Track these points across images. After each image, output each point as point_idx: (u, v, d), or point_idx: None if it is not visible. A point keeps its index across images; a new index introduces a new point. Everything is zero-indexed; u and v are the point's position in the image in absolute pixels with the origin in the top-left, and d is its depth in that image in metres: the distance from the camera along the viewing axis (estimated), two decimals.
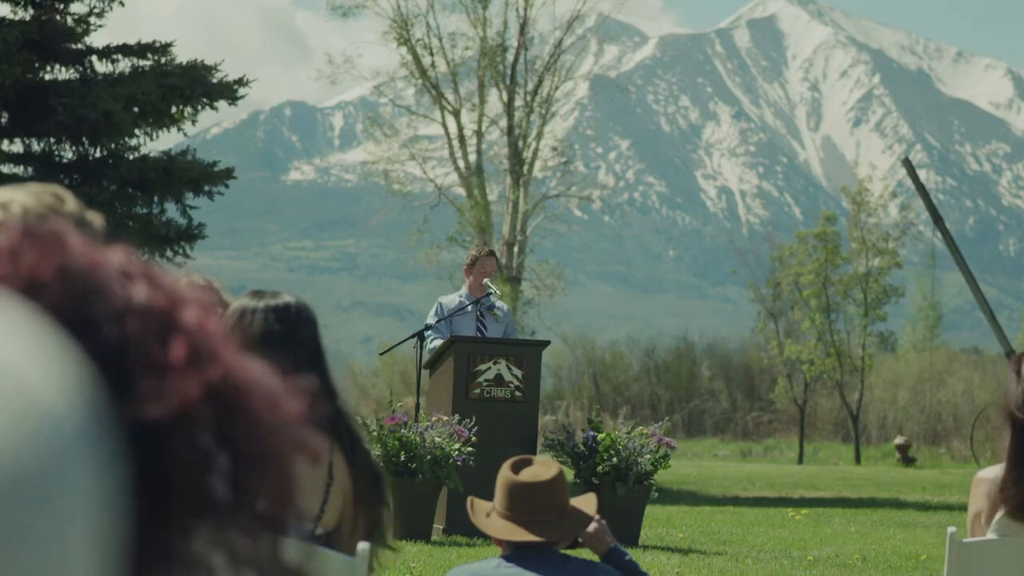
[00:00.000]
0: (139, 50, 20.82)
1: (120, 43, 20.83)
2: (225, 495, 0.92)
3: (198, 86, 20.72)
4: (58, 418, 0.83)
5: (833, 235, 42.50)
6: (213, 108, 21.21)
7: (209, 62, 21.02)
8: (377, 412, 12.26)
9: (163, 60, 20.81)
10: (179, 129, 21.16)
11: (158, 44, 20.91)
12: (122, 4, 21.00)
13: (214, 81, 20.82)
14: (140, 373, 0.90)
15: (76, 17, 20.67)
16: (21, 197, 2.65)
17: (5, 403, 0.81)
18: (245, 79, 21.17)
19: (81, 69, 20.66)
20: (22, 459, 0.79)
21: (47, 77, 20.63)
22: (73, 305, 0.90)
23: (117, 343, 0.90)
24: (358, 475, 3.93)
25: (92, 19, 20.74)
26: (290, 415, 0.96)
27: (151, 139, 21.12)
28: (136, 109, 20.44)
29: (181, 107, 20.87)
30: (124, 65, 20.90)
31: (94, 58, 20.74)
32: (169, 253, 20.69)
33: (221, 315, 4.07)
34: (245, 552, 0.93)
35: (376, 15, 36.75)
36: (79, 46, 20.71)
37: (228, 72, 21.04)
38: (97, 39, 20.87)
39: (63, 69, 20.68)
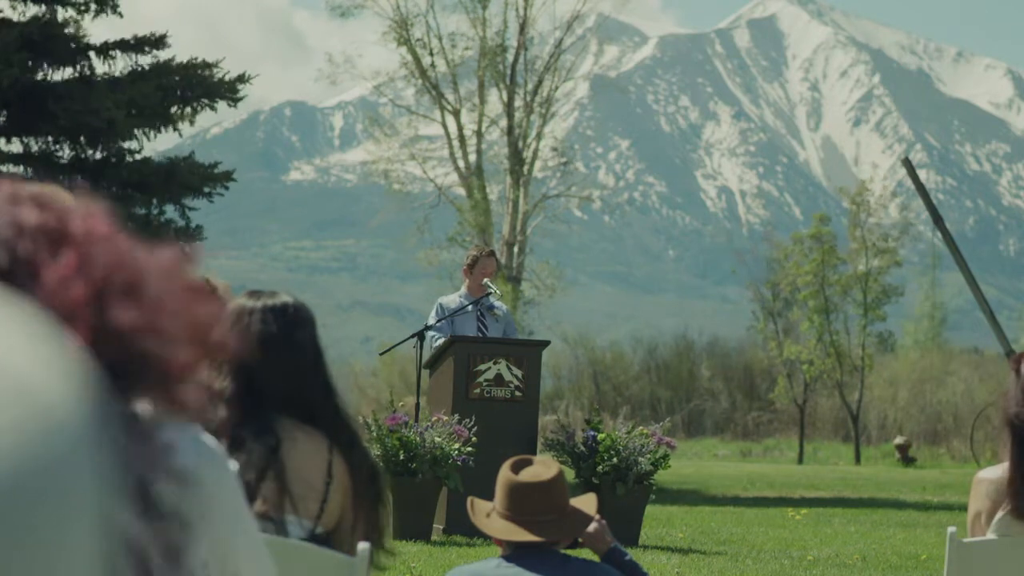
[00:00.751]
0: (136, 44, 20.82)
1: (117, 39, 20.83)
2: (141, 366, 0.97)
3: (198, 86, 20.72)
4: (62, 418, 0.83)
5: (828, 236, 42.52)
6: (213, 109, 21.21)
7: (209, 60, 21.03)
8: (376, 412, 12.24)
9: (159, 53, 20.82)
10: (176, 130, 21.14)
11: (154, 37, 20.92)
12: (120, 15, 20.97)
13: (214, 79, 20.81)
14: (34, 287, 0.93)
15: (77, 5, 20.62)
16: None
17: (9, 405, 0.81)
18: (246, 75, 21.17)
19: (80, 68, 20.65)
20: (29, 460, 0.80)
21: (46, 77, 20.62)
22: None
23: (11, 265, 0.93)
24: (356, 474, 3.93)
25: (90, 14, 20.74)
26: (190, 288, 1.01)
27: (148, 139, 21.12)
28: (134, 111, 20.44)
29: (180, 108, 20.88)
30: (122, 63, 20.90)
31: (92, 55, 20.73)
32: None
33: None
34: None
35: (376, 15, 36.79)
36: (77, 44, 20.70)
37: (228, 69, 21.05)
38: (95, 37, 20.85)
39: (62, 69, 20.67)
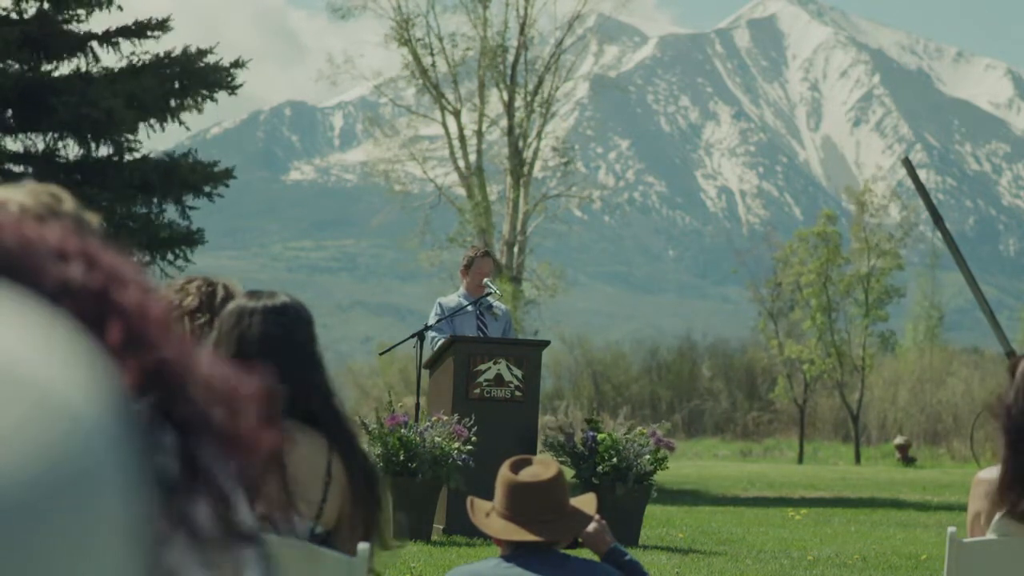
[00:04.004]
0: (137, 30, 20.90)
1: (118, 26, 20.92)
2: (175, 471, 0.92)
3: (196, 76, 20.81)
4: (86, 420, 0.81)
5: (834, 234, 42.49)
6: (213, 100, 21.25)
7: (203, 47, 21.22)
8: (377, 412, 12.24)
9: (160, 36, 20.94)
10: (180, 123, 21.19)
11: (155, 21, 21.02)
12: (120, 8, 21.02)
13: (210, 65, 20.93)
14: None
15: (75, 16, 20.70)
16: (18, 196, 2.63)
17: (33, 409, 0.78)
18: (240, 60, 21.28)
19: (81, 59, 20.72)
20: (54, 463, 0.78)
21: (48, 73, 20.66)
22: (2, 284, 0.88)
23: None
24: (354, 475, 3.93)
25: (93, 12, 20.80)
26: (240, 399, 0.96)
27: (153, 135, 21.19)
28: (135, 104, 20.47)
29: (180, 101, 20.95)
30: (125, 49, 21.00)
31: (95, 43, 20.79)
32: (170, 256, 20.72)
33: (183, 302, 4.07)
34: (204, 527, 0.93)
35: (376, 15, 36.81)
36: (79, 31, 20.79)
37: (222, 56, 21.24)
38: (96, 27, 21.03)
39: (63, 62, 20.73)
